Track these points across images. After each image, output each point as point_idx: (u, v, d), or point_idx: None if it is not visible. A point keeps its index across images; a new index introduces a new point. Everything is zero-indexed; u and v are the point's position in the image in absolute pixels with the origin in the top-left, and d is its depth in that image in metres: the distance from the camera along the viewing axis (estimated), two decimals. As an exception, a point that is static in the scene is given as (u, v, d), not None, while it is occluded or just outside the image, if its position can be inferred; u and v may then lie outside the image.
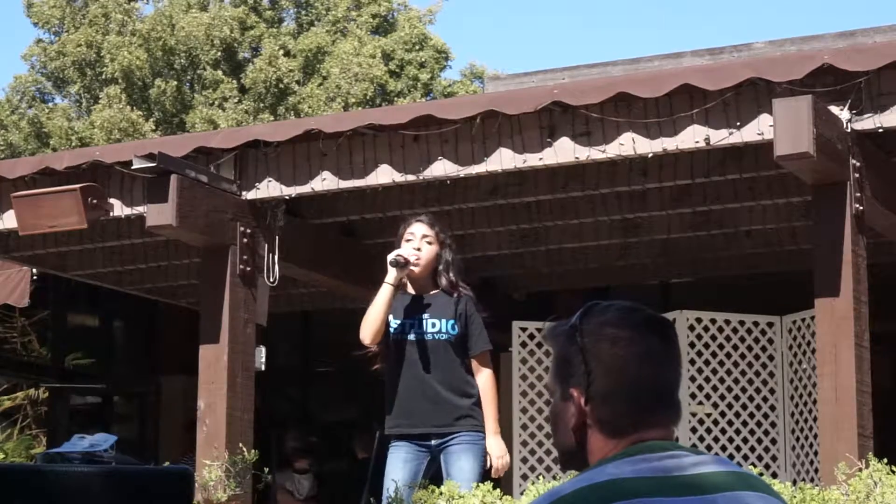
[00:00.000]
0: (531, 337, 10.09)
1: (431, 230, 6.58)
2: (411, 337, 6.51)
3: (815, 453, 8.76)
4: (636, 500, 2.34)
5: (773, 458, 9.51)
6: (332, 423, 13.04)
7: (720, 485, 2.42)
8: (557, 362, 2.56)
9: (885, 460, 6.66)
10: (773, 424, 9.55)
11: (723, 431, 9.52)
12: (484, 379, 6.52)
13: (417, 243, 6.56)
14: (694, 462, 2.44)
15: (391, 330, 6.55)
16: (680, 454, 2.45)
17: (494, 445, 6.47)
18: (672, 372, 2.52)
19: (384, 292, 6.49)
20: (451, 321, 6.50)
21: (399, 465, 6.50)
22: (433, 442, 6.49)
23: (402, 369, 6.52)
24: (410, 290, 6.62)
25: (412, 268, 6.53)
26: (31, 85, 28.11)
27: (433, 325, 6.50)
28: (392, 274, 6.49)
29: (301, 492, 11.57)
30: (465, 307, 6.52)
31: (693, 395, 9.51)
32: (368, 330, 6.54)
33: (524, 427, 9.94)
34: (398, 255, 6.51)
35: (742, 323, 9.65)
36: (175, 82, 26.52)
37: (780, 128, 6.82)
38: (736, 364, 9.59)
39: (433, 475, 6.56)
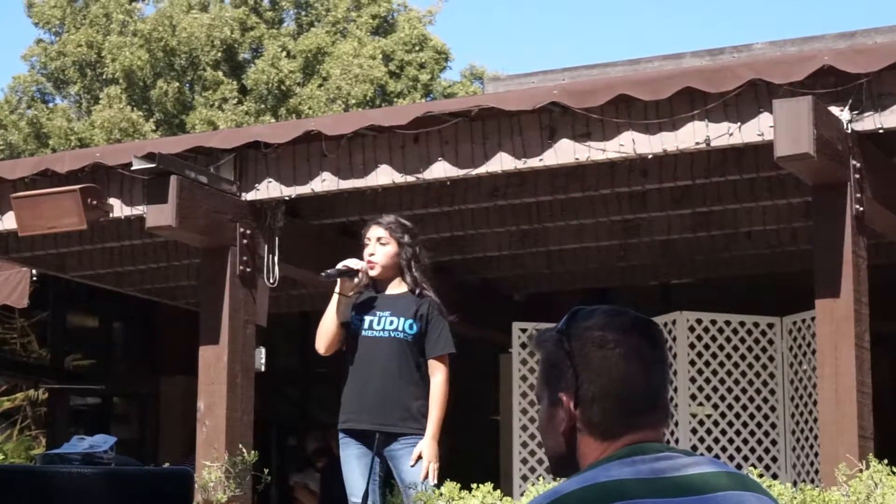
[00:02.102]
0: (531, 338, 10.07)
1: (385, 231, 6.59)
2: (369, 333, 6.53)
3: (816, 454, 8.76)
4: (634, 501, 2.34)
5: (774, 460, 9.50)
6: (332, 423, 13.04)
7: (716, 485, 2.42)
8: (545, 368, 2.56)
9: (886, 461, 6.65)
10: (773, 426, 9.54)
11: (723, 433, 9.52)
12: (436, 381, 6.48)
13: (372, 247, 6.59)
14: (687, 463, 2.45)
15: (352, 325, 6.57)
16: (673, 455, 2.45)
17: (427, 448, 6.40)
18: (660, 373, 2.52)
19: (333, 303, 6.54)
20: (410, 321, 6.50)
21: (353, 462, 6.51)
22: (377, 440, 6.48)
23: (357, 363, 6.54)
24: (378, 289, 6.65)
25: (369, 272, 6.56)
26: (31, 85, 28.12)
27: (391, 323, 6.51)
28: (339, 284, 6.53)
29: None
30: (426, 309, 6.51)
31: (693, 397, 9.50)
32: (321, 340, 6.63)
33: (524, 428, 9.94)
34: (343, 266, 6.56)
35: (742, 324, 9.64)
36: (176, 83, 26.53)
37: (781, 128, 6.82)
38: (736, 365, 9.58)
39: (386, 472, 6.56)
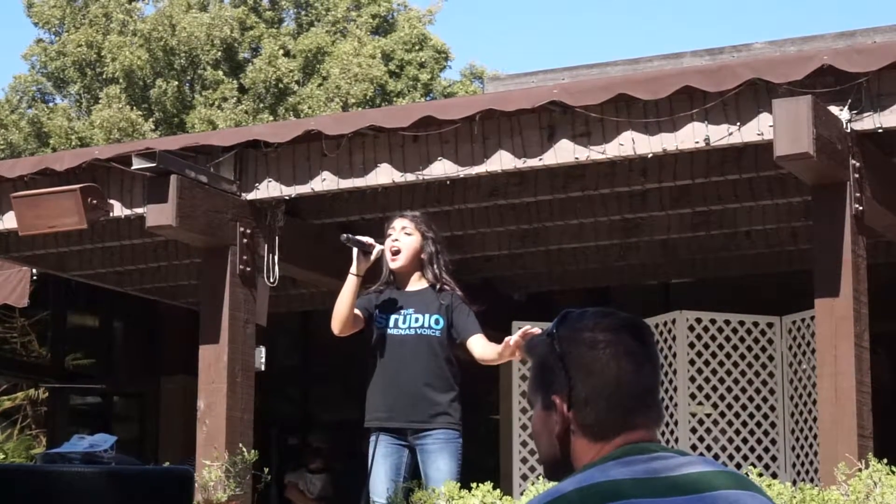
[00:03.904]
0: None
1: (411, 222, 6.62)
2: (394, 331, 6.54)
3: (815, 453, 8.77)
4: (631, 500, 2.35)
5: (773, 459, 9.51)
6: (332, 423, 13.05)
7: (711, 484, 2.43)
8: (537, 372, 2.57)
9: (885, 460, 6.66)
10: (772, 425, 9.55)
11: (723, 432, 9.52)
12: (483, 342, 6.44)
13: (396, 235, 6.61)
14: (682, 463, 2.46)
15: (377, 324, 6.57)
16: (668, 455, 2.46)
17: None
18: (651, 373, 2.53)
19: (348, 283, 6.53)
20: (436, 315, 6.50)
21: (380, 460, 6.51)
22: (409, 436, 6.48)
23: (384, 362, 6.54)
24: (400, 285, 6.65)
25: (391, 260, 6.55)
26: (31, 84, 28.12)
27: (416, 320, 6.52)
28: (354, 264, 6.53)
29: (313, 491, 11.67)
30: (449, 300, 6.52)
31: (693, 396, 9.51)
32: (335, 321, 6.60)
33: (524, 427, 9.95)
34: (364, 238, 6.56)
35: (742, 323, 9.64)
36: (176, 82, 26.53)
37: (780, 128, 6.82)
38: (736, 364, 9.59)
39: (414, 468, 6.56)
